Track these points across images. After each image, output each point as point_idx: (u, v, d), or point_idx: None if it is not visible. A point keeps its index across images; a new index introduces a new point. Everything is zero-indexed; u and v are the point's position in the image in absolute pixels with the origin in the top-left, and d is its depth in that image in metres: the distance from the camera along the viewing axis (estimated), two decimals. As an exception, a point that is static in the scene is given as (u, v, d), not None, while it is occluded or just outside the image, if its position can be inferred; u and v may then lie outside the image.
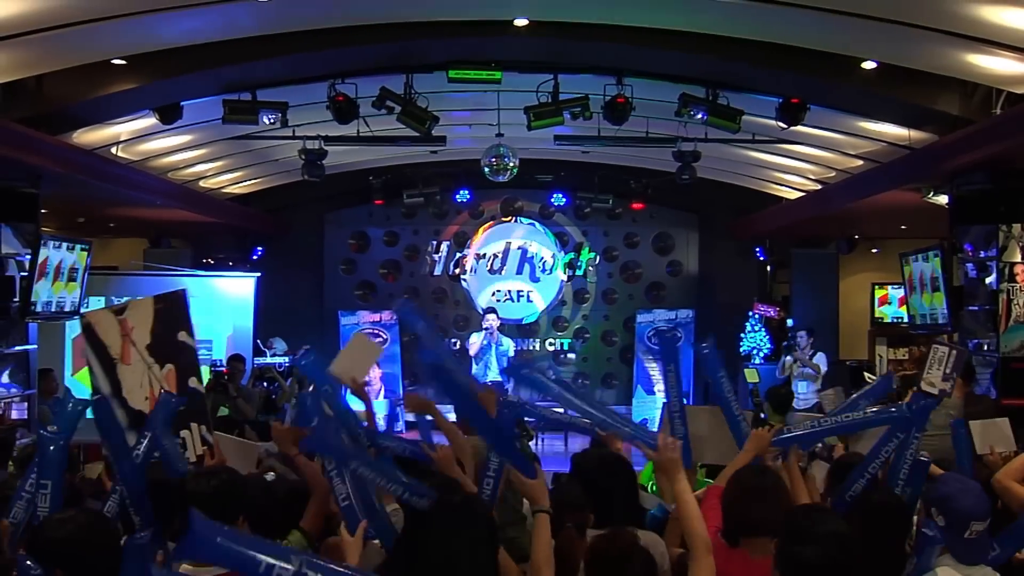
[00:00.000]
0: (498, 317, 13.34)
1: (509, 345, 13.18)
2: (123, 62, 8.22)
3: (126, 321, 4.78)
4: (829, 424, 4.11)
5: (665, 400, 4.30)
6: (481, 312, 14.48)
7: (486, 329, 12.93)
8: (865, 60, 8.27)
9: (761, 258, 16.31)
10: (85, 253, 10.36)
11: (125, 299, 5.03)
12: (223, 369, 11.07)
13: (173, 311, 4.89)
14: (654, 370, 14.98)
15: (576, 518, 3.65)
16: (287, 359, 13.49)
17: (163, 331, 4.80)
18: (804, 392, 11.63)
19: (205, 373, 11.05)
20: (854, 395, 4.71)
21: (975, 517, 3.34)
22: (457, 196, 15.36)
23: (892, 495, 3.80)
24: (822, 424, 4.11)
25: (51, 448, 3.21)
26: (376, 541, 3.29)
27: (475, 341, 12.94)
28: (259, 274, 14.12)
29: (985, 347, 9.12)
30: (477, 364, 13.04)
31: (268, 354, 13.74)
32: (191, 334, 4.90)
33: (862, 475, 3.88)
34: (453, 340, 15.82)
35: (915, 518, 3.82)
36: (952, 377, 4.65)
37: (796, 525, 2.99)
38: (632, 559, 3.14)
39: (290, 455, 4.24)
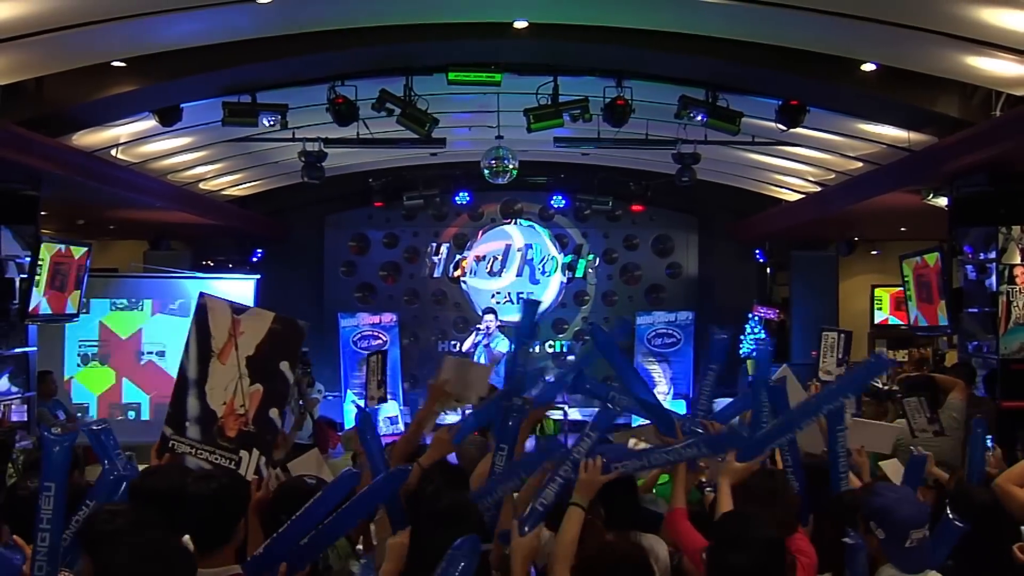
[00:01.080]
0: (496, 318, 13.34)
1: (502, 342, 13.17)
2: (123, 64, 8.21)
3: (239, 323, 4.64)
4: (791, 415, 3.93)
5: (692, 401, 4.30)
6: (480, 314, 14.48)
7: (478, 329, 12.92)
8: (865, 62, 8.27)
9: (761, 260, 16.32)
10: (85, 255, 10.37)
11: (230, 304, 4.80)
12: None
13: (287, 338, 4.70)
14: (655, 372, 14.98)
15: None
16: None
17: (269, 351, 4.62)
18: None
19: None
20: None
21: (914, 525, 3.27)
22: (457, 198, 15.37)
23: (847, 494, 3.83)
24: (786, 418, 3.92)
25: (55, 450, 3.20)
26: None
27: (468, 339, 12.97)
28: (259, 276, 14.09)
29: (984, 349, 9.11)
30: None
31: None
32: (293, 368, 4.76)
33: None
34: (452, 342, 15.83)
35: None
36: (845, 361, 4.66)
37: (726, 532, 3.02)
38: (631, 564, 3.13)
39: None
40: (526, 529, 3.22)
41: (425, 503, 3.23)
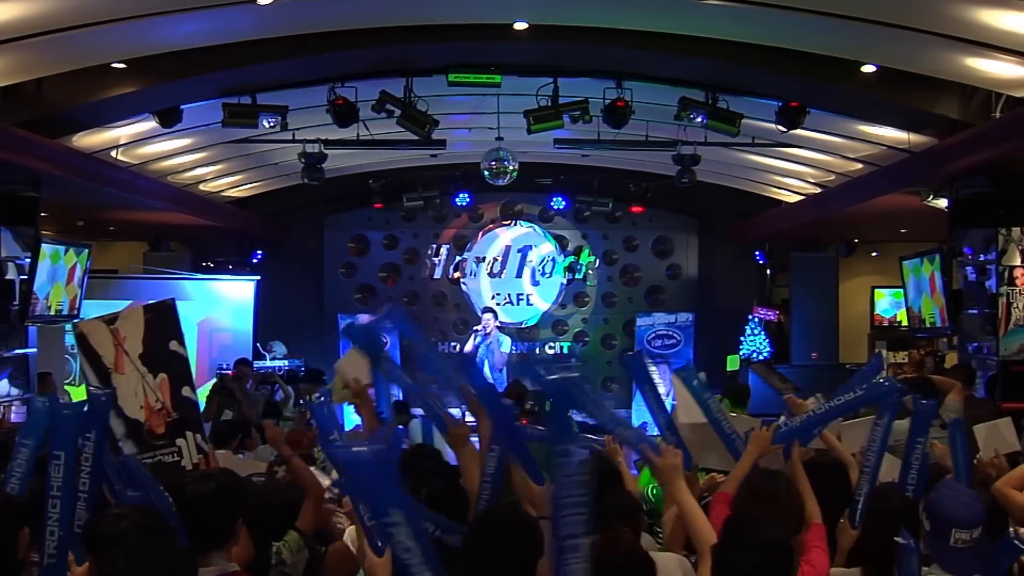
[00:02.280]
0: (495, 318, 13.32)
1: (505, 341, 13.17)
2: (123, 66, 8.23)
3: (118, 331, 4.78)
4: (823, 411, 4.03)
5: (652, 417, 4.29)
6: (480, 314, 14.48)
7: (476, 331, 12.93)
8: (865, 64, 8.29)
9: (761, 261, 16.32)
10: (85, 256, 10.39)
11: (117, 309, 5.00)
12: (229, 372, 11.07)
13: (163, 320, 4.89)
14: (655, 373, 14.96)
15: None
16: (287, 363, 13.50)
17: (154, 340, 4.80)
18: None
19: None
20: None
21: (957, 524, 3.21)
22: (457, 199, 15.34)
23: (905, 498, 3.78)
24: (816, 413, 4.02)
25: (65, 412, 3.24)
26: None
27: (469, 341, 12.97)
28: (259, 277, 14.15)
29: (984, 351, 9.12)
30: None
31: (268, 358, 13.74)
32: (182, 343, 4.94)
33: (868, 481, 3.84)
34: (453, 343, 15.82)
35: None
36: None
37: (732, 533, 3.01)
38: (632, 562, 3.13)
39: (285, 455, 4.31)
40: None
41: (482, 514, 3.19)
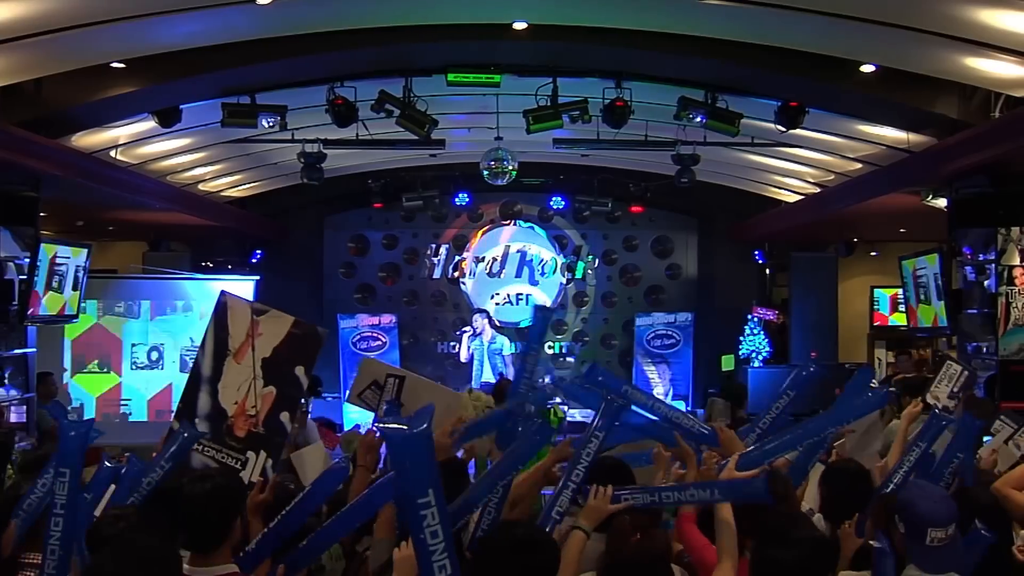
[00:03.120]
0: (484, 317, 13.29)
1: (503, 343, 13.18)
2: (122, 65, 8.22)
3: (258, 324, 4.66)
4: (794, 434, 3.96)
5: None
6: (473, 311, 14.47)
7: (464, 330, 12.94)
8: (864, 63, 8.28)
9: (760, 261, 16.31)
10: (84, 256, 10.39)
11: (259, 306, 4.84)
12: None
13: (305, 344, 4.72)
14: (653, 373, 14.98)
15: None
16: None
17: (285, 355, 4.65)
18: None
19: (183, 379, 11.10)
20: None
21: (933, 523, 3.21)
22: (456, 199, 15.37)
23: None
24: (792, 433, 3.96)
25: (71, 435, 3.23)
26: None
27: (464, 344, 12.99)
28: (258, 277, 14.10)
29: (984, 350, 9.11)
30: (472, 368, 13.08)
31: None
32: (308, 373, 4.77)
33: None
34: (452, 343, 15.82)
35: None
36: (959, 396, 4.64)
37: (772, 529, 3.03)
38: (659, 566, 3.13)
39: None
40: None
41: (492, 533, 3.19)
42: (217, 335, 4.67)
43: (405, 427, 2.73)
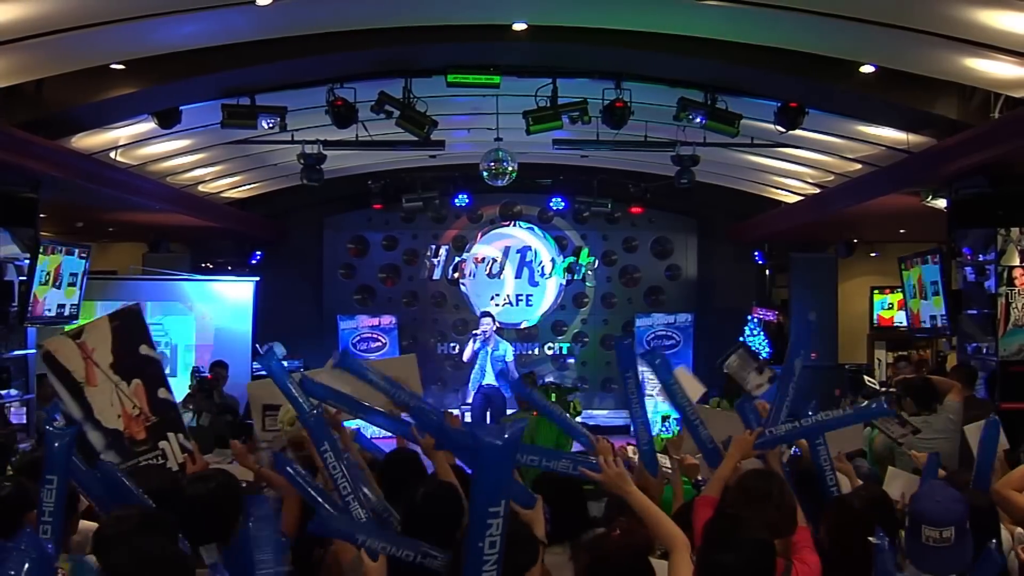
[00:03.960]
0: (493, 321, 13.32)
1: (507, 349, 13.18)
2: (122, 67, 8.21)
3: (85, 344, 4.79)
4: (810, 424, 4.07)
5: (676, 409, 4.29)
6: (478, 316, 14.48)
7: (475, 336, 12.93)
8: (863, 64, 8.28)
9: (760, 262, 16.31)
10: (84, 258, 10.38)
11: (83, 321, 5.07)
12: (207, 375, 11.01)
13: (130, 326, 4.90)
14: (652, 374, 14.95)
15: None
16: (286, 364, 13.47)
17: (124, 347, 4.81)
18: None
19: (184, 379, 11.08)
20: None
21: (925, 521, 3.21)
22: (456, 200, 15.36)
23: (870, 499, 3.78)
24: (803, 424, 4.08)
25: (56, 444, 3.23)
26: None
27: (468, 347, 12.95)
28: (258, 278, 14.12)
29: (984, 351, 9.11)
30: (473, 370, 13.06)
31: (267, 359, 13.66)
32: (152, 346, 4.95)
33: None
34: (452, 344, 15.82)
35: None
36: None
37: (716, 532, 3.03)
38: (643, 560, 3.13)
39: (252, 469, 4.31)
40: None
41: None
42: (63, 381, 4.78)
43: (495, 437, 2.72)
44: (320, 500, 3.35)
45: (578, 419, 7.89)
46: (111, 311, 5.00)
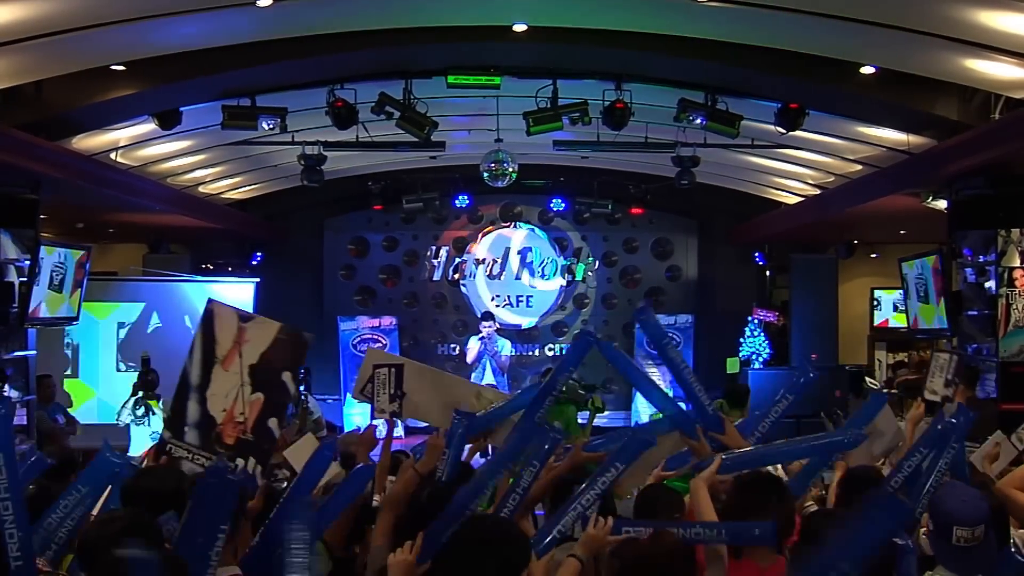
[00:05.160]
0: (495, 322, 13.33)
1: (504, 345, 13.18)
2: (122, 68, 8.21)
3: (245, 330, 4.68)
4: (772, 450, 4.05)
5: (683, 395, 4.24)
6: (479, 317, 14.48)
7: (484, 338, 12.93)
8: (864, 65, 8.28)
9: (760, 263, 16.31)
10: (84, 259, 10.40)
11: (246, 311, 4.92)
12: None
13: (292, 349, 4.75)
14: (655, 375, 14.94)
15: None
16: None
17: (272, 361, 4.67)
18: None
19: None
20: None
21: (957, 522, 3.18)
22: (456, 201, 15.36)
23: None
24: (767, 450, 4.04)
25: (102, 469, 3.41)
26: None
27: (472, 347, 12.93)
28: (258, 279, 14.12)
29: (984, 352, 9.10)
30: (475, 370, 13.06)
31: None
32: (295, 379, 4.81)
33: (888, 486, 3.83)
34: (452, 345, 15.82)
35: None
36: (955, 383, 4.59)
37: (813, 529, 3.07)
38: (675, 561, 3.13)
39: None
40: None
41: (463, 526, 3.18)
42: (205, 343, 4.68)
43: None
44: None
45: (597, 417, 7.96)
46: (284, 324, 4.83)
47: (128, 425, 9.62)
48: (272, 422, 4.67)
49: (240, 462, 4.52)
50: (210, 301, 4.80)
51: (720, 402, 8.65)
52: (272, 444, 4.71)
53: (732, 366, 14.34)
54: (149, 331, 12.70)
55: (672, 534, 3.24)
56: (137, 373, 10.18)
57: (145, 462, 4.75)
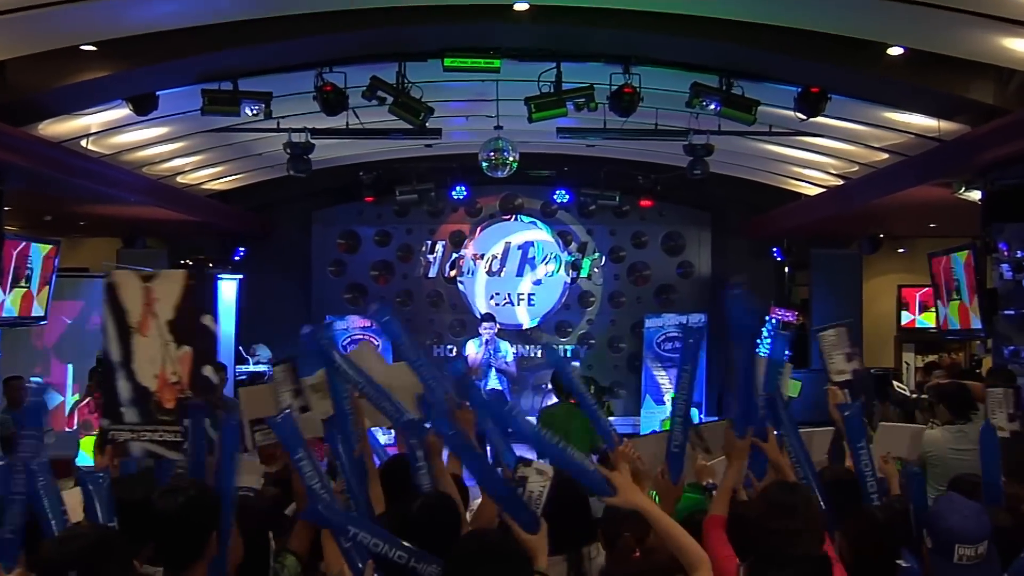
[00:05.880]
0: (495, 324, 13.30)
1: (507, 350, 13.15)
2: (94, 48, 8.17)
3: (152, 290, 4.74)
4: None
5: (672, 402, 4.19)
6: (478, 317, 14.44)
7: (487, 341, 12.89)
8: (891, 46, 8.23)
9: (778, 259, 16.31)
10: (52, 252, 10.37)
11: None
12: None
13: (202, 290, 4.89)
14: (663, 378, 14.92)
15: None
16: (270, 368, 13.45)
17: (188, 309, 4.74)
18: None
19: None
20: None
21: (960, 539, 3.17)
22: (453, 193, 15.34)
23: (895, 510, 3.74)
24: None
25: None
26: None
27: (472, 351, 12.89)
28: (241, 276, 14.12)
29: (1022, 354, 9.05)
30: (476, 379, 13.01)
31: (251, 362, 13.67)
32: (215, 319, 4.91)
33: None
34: (449, 346, 15.78)
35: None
36: (1019, 416, 4.57)
37: (769, 547, 3.03)
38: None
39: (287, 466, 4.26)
40: None
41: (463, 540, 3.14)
42: (115, 316, 4.75)
43: None
44: (319, 485, 3.36)
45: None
46: (188, 270, 4.94)
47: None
48: (207, 370, 4.79)
49: (188, 424, 4.54)
50: (108, 273, 4.89)
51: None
52: (212, 392, 4.92)
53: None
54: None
55: (664, 553, 3.21)
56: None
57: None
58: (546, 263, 16.04)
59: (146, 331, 4.70)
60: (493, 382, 12.69)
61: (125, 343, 4.70)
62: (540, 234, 16.11)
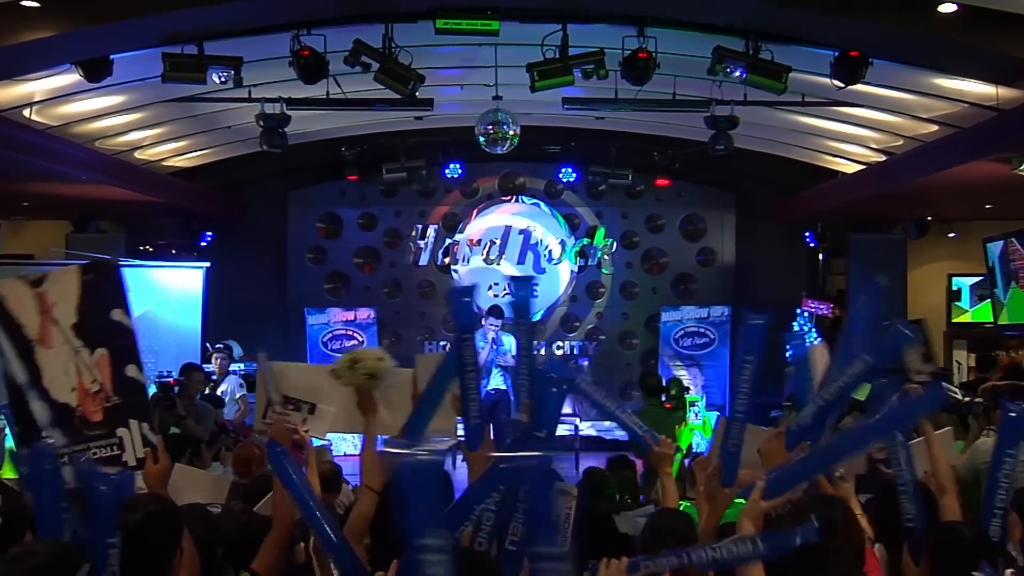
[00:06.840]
0: (500, 319, 13.27)
1: (510, 344, 13.12)
2: (36, 4, 8.09)
3: (45, 295, 4.66)
4: (822, 451, 3.94)
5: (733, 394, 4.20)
6: (480, 312, 14.41)
7: (491, 341, 12.86)
8: (943, 1, 8.15)
9: (811, 245, 16.36)
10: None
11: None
12: (169, 380, 10.95)
13: (105, 284, 4.78)
14: (685, 378, 14.88)
15: None
16: (243, 366, 13.39)
17: (93, 308, 4.68)
18: None
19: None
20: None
21: None
22: (447, 171, 15.39)
23: (980, 530, 3.76)
24: (827, 448, 3.95)
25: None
26: None
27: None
28: (208, 264, 14.12)
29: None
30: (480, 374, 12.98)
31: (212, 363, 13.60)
32: (127, 312, 4.82)
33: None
34: (441, 342, 15.76)
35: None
36: None
37: (802, 568, 3.09)
38: None
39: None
40: None
41: None
42: (9, 332, 4.63)
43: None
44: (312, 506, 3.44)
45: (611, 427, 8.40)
46: (83, 261, 4.91)
47: None
48: (131, 370, 4.72)
49: (122, 433, 4.58)
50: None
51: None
52: (142, 393, 4.80)
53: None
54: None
55: None
56: None
57: None
58: (549, 250, 15.97)
59: (49, 342, 4.63)
60: (496, 382, 12.70)
61: (29, 360, 4.60)
62: (544, 217, 16.07)
